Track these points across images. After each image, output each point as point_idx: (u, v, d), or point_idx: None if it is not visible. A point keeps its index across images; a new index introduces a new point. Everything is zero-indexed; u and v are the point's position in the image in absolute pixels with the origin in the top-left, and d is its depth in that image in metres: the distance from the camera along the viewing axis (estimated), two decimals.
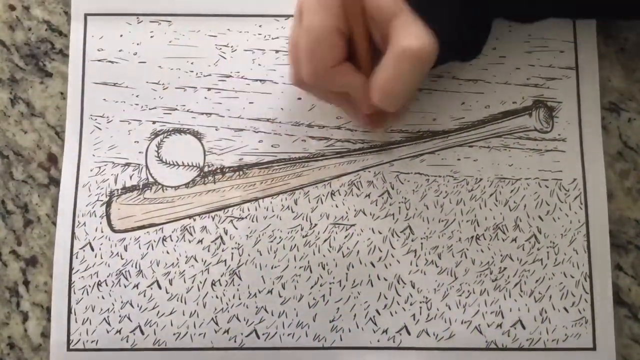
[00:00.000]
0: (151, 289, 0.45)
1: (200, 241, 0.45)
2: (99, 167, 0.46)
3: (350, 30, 0.38)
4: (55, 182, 0.47)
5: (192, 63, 0.47)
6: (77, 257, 0.45)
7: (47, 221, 0.46)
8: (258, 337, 0.44)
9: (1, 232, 0.47)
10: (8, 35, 0.48)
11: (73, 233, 0.45)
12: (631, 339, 0.44)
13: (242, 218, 0.46)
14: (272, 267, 0.45)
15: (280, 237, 0.45)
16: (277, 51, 0.47)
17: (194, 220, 0.45)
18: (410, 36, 0.37)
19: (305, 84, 0.40)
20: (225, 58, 0.47)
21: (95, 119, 0.47)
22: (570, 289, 0.44)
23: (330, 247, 0.45)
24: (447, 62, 0.43)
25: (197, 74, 0.47)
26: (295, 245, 0.45)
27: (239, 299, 0.45)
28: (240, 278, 0.45)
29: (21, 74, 0.48)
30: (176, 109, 0.47)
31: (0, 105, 0.48)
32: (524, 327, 0.44)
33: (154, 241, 0.45)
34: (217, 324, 0.45)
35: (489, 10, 0.42)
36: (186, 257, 0.45)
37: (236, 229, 0.45)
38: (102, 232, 0.45)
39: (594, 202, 0.45)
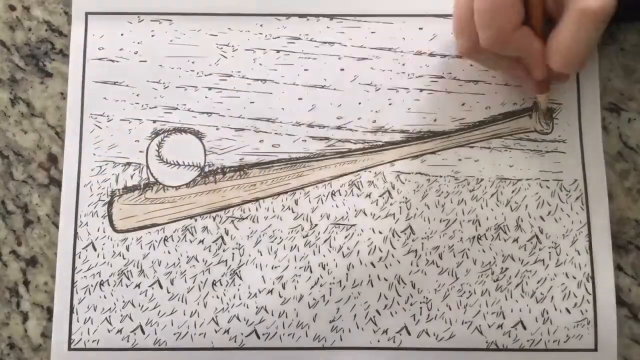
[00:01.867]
0: (152, 288, 0.45)
1: (202, 241, 0.45)
2: (100, 167, 0.46)
3: None
4: (56, 182, 0.47)
5: (193, 62, 0.47)
6: (79, 257, 0.45)
7: (47, 221, 0.46)
8: (258, 337, 0.44)
9: (1, 232, 0.46)
10: (8, 36, 0.48)
11: (76, 233, 0.45)
12: (631, 339, 0.45)
13: (243, 218, 0.45)
14: (272, 267, 0.45)
15: (280, 238, 0.45)
16: (278, 51, 0.47)
17: (195, 220, 0.45)
18: None
19: (479, 52, 0.41)
20: (226, 57, 0.47)
21: (96, 118, 0.47)
22: (572, 290, 0.44)
23: (330, 247, 0.45)
24: (631, 21, 0.43)
25: (197, 73, 0.47)
26: (295, 245, 0.45)
27: (240, 299, 0.45)
28: (240, 278, 0.45)
29: (21, 74, 0.48)
30: (177, 108, 0.47)
31: (1, 106, 0.48)
32: (525, 328, 0.44)
33: (156, 241, 0.45)
34: (217, 324, 0.44)
35: None
36: (187, 257, 0.45)
37: (237, 229, 0.45)
38: (104, 232, 0.45)
39: (595, 202, 0.45)
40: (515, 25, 0.39)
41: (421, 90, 0.47)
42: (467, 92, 0.47)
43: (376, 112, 0.47)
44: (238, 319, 0.45)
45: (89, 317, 0.45)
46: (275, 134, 0.46)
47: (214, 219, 0.45)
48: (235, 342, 0.44)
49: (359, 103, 0.47)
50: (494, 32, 0.39)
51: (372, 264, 0.45)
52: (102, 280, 0.45)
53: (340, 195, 0.46)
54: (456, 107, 0.47)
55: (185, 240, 0.45)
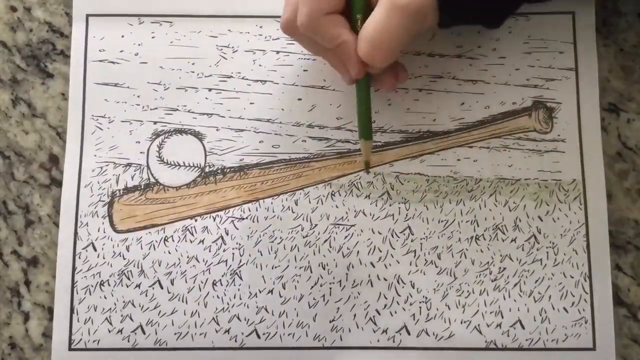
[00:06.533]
0: (153, 288, 0.45)
1: (202, 241, 0.45)
2: (101, 168, 0.46)
3: None
4: (57, 182, 0.47)
5: (193, 64, 0.47)
6: (79, 257, 0.45)
7: (49, 221, 0.47)
8: (258, 336, 0.45)
9: (3, 233, 0.47)
10: (9, 36, 0.49)
11: (76, 233, 0.46)
12: (630, 339, 0.45)
13: (243, 218, 0.46)
14: (272, 267, 0.45)
15: (280, 238, 0.46)
16: (277, 52, 0.47)
17: (195, 220, 0.46)
18: None
19: (296, 31, 0.40)
20: (226, 59, 0.47)
21: (97, 119, 0.47)
22: (569, 289, 0.45)
23: (330, 247, 0.45)
24: (465, 24, 0.42)
25: (198, 74, 0.47)
26: (295, 245, 0.45)
27: (240, 298, 0.45)
28: (241, 278, 0.45)
29: (22, 75, 0.48)
30: (177, 110, 0.47)
31: (2, 106, 0.48)
32: (523, 327, 0.44)
33: (156, 241, 0.45)
34: (217, 323, 0.45)
35: None
36: (187, 257, 0.45)
37: (237, 229, 0.46)
38: (104, 232, 0.46)
39: (593, 202, 0.45)
40: (331, 8, 0.38)
41: (420, 90, 0.47)
42: (466, 92, 0.47)
43: (375, 112, 0.47)
44: (238, 318, 0.45)
45: (90, 317, 0.45)
46: (275, 134, 0.47)
47: (214, 219, 0.46)
48: (235, 341, 0.45)
49: None
50: (308, 10, 0.38)
51: (371, 264, 0.45)
52: (102, 281, 0.45)
53: (339, 195, 0.46)
54: (455, 107, 0.47)
55: (186, 241, 0.45)
